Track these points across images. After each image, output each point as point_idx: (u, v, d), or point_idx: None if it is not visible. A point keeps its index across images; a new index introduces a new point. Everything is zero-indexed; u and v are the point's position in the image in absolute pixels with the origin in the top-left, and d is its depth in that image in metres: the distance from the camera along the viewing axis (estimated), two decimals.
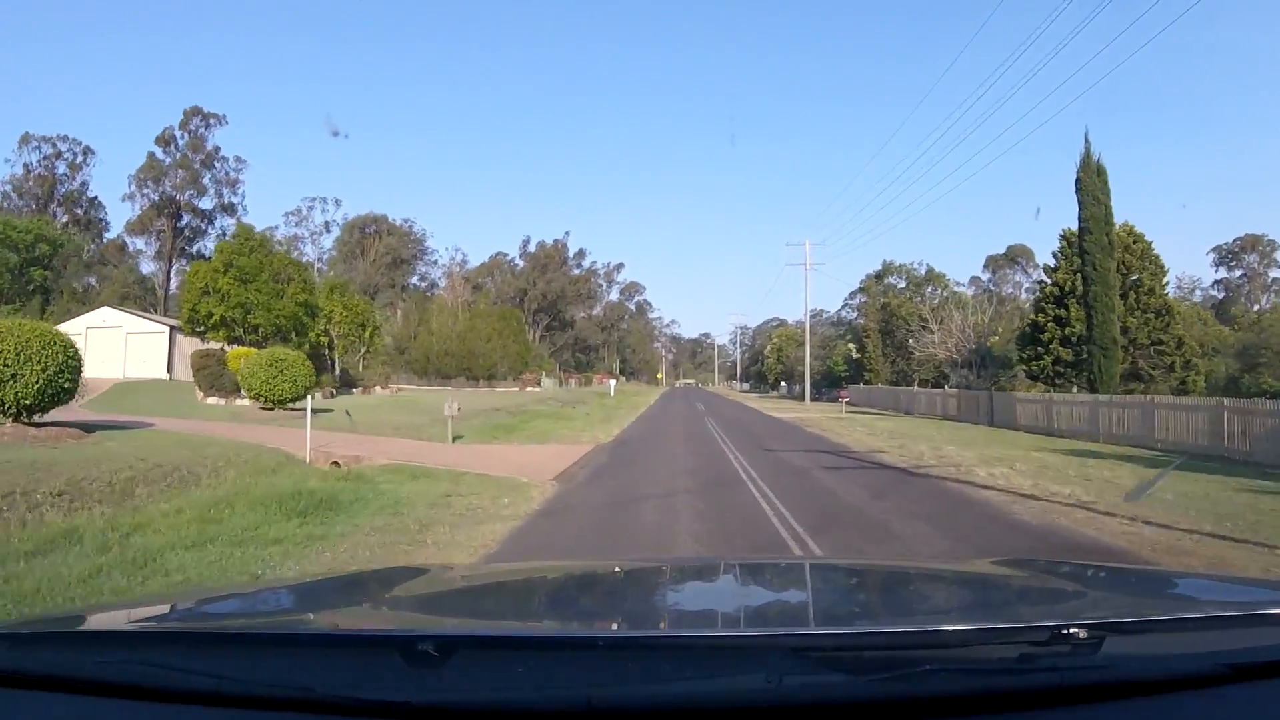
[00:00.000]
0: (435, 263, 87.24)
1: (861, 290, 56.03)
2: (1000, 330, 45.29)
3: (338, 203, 79.64)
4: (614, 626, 1.62)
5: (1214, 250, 67.93)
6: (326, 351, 43.87)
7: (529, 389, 54.45)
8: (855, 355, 52.26)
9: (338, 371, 43.49)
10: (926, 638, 1.24)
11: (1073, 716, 1.09)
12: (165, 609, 1.80)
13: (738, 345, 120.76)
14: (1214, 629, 1.33)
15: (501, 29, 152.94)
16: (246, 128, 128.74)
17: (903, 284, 56.40)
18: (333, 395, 35.77)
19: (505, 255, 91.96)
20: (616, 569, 2.49)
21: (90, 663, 1.19)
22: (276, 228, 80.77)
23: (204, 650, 1.27)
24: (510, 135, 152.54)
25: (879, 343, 51.71)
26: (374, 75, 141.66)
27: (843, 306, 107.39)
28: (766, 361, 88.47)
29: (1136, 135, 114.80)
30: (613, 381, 56.71)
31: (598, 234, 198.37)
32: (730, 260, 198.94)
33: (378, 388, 43.11)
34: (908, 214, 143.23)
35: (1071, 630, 1.12)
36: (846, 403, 33.11)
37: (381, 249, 72.74)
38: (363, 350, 43.98)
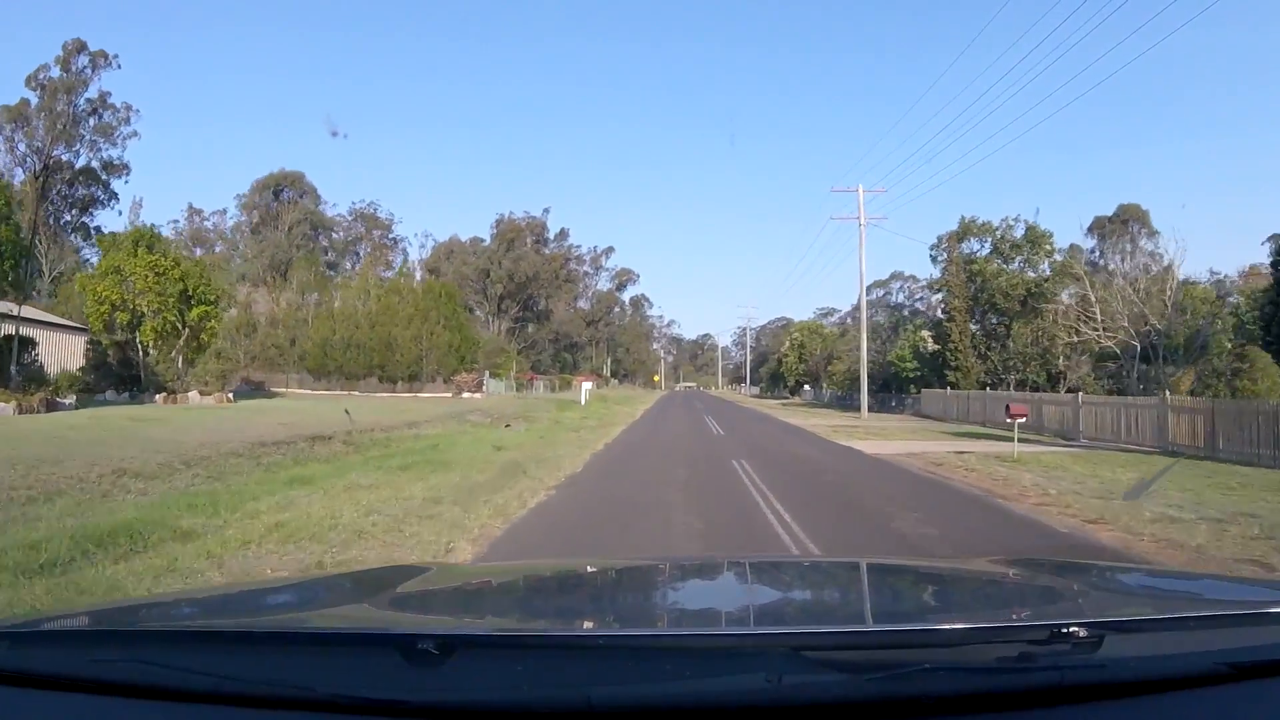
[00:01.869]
0: (404, 251, 73.05)
1: (934, 261, 40.26)
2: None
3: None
4: (614, 625, 1.60)
5: None
6: (133, 335, 28.07)
7: (466, 394, 38.68)
8: (931, 348, 36.44)
9: (141, 365, 27.69)
10: (926, 636, 1.22)
11: (1073, 716, 1.08)
12: (165, 608, 1.80)
13: (747, 345, 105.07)
14: (1214, 628, 1.30)
15: (496, 22, 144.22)
16: (226, 117, 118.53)
17: (985, 250, 40.75)
18: (34, 410, 19.78)
19: (480, 240, 76.34)
20: (616, 568, 2.49)
21: (90, 662, 1.17)
22: (225, 210, 68.14)
23: (203, 649, 1.24)
24: (502, 131, 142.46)
25: (967, 329, 35.97)
26: (368, 69, 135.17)
27: (855, 307, 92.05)
28: (786, 361, 72.59)
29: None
30: (587, 385, 40.93)
31: (593, 232, 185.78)
32: (732, 258, 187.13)
33: (193, 393, 27.22)
34: (972, 166, 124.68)
35: (1071, 629, 1.11)
36: (1020, 423, 16.52)
37: (297, 215, 56.76)
38: (184, 335, 28.14)
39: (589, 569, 2.44)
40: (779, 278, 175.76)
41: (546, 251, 73.64)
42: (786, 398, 71.37)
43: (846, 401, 53.61)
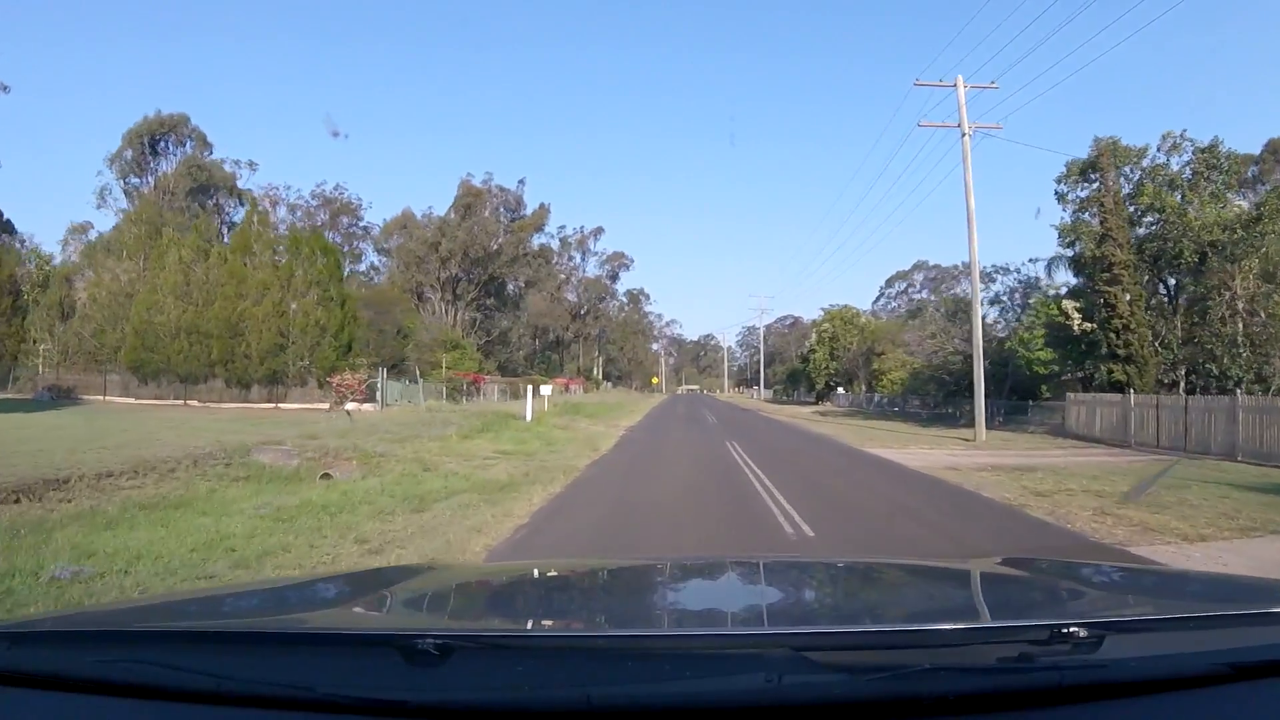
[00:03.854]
0: (372, 240, 60.52)
1: (1061, 200, 26.73)
2: None
3: (253, 166, 53.29)
4: (613, 626, 1.58)
5: None
6: None
7: (352, 405, 25.35)
8: (1080, 327, 22.97)
9: None
10: (926, 637, 1.21)
11: (1073, 716, 1.07)
12: (165, 608, 1.76)
13: (761, 341, 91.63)
14: (1214, 628, 1.28)
15: (492, 17, 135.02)
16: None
17: (1127, 187, 27.49)
18: None
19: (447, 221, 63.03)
20: (617, 568, 2.45)
21: (90, 662, 1.16)
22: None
23: (204, 649, 1.23)
24: (496, 125, 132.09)
25: (1140, 296, 22.56)
26: (371, 71, 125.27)
27: (879, 296, 78.09)
28: (813, 358, 59.11)
29: None
30: (545, 389, 27.62)
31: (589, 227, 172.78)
32: (735, 256, 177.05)
33: None
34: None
35: (1071, 629, 1.10)
36: None
37: (177, 169, 43.27)
38: None
39: (589, 569, 2.41)
40: (786, 274, 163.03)
41: (521, 223, 60.26)
42: (812, 403, 57.93)
43: (901, 410, 40.35)
